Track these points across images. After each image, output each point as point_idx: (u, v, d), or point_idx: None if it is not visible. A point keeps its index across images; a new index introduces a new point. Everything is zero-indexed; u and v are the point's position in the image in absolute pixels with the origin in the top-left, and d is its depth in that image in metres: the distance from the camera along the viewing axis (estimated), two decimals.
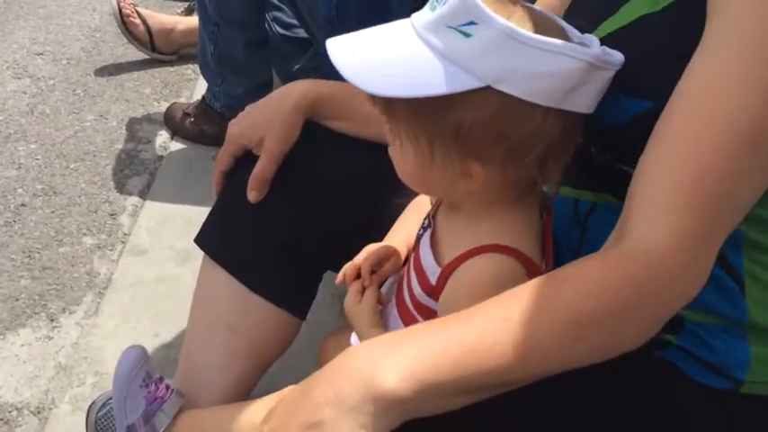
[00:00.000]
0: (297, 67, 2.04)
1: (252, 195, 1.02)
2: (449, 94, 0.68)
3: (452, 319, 0.68)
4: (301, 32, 2.02)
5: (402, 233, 0.94)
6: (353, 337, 0.97)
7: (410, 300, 0.85)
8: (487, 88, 0.68)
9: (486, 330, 0.65)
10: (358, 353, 0.66)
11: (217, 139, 1.96)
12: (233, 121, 1.06)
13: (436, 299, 0.80)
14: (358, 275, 0.90)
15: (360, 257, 0.91)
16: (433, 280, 0.80)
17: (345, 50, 0.72)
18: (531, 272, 0.76)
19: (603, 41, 0.76)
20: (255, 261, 1.05)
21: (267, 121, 1.02)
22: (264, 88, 1.96)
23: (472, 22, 0.68)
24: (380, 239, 0.95)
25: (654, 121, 0.71)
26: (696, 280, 0.69)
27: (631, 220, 0.69)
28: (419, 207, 0.94)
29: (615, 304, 0.65)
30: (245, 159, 1.05)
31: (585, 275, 0.67)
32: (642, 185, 0.69)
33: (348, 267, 0.91)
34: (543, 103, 0.70)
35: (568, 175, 0.88)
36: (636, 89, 0.75)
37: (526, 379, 0.67)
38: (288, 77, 2.07)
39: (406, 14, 0.74)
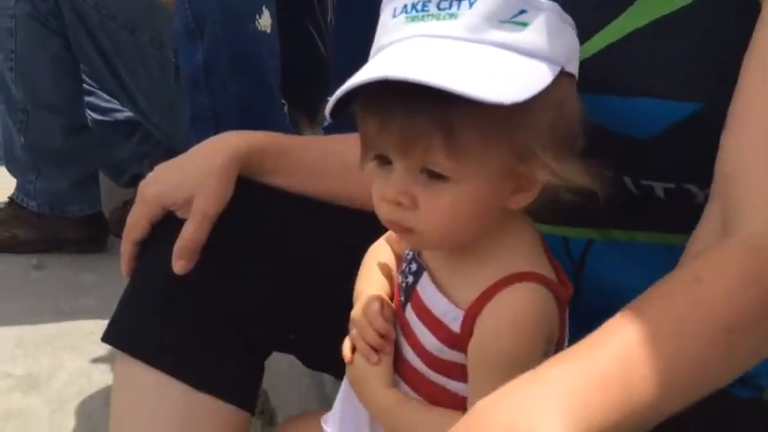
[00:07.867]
0: (123, 154, 1.87)
1: (179, 266, 0.87)
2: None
3: (579, 350, 0.58)
4: (121, 115, 1.85)
5: (377, 283, 0.81)
6: (328, 419, 0.83)
7: (419, 358, 0.74)
8: (561, 73, 0.66)
9: (630, 356, 0.56)
10: (493, 405, 0.52)
11: (35, 244, 1.72)
12: (146, 182, 0.92)
13: (461, 348, 0.70)
14: None
15: (358, 311, 0.77)
16: (454, 326, 0.70)
17: (413, 74, 0.59)
18: (559, 296, 0.70)
19: (617, 44, 0.76)
20: (193, 351, 0.89)
21: (196, 177, 0.89)
22: (91, 180, 1.77)
23: (523, 11, 0.65)
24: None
25: (706, 124, 0.69)
26: None
27: (743, 211, 0.65)
28: (377, 256, 0.83)
29: (764, 298, 0.60)
30: (164, 226, 0.91)
31: (721, 272, 0.61)
32: (747, 172, 0.66)
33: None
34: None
35: (548, 211, 0.84)
36: (678, 91, 0.73)
37: (686, 403, 0.59)
38: (113, 168, 1.90)
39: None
